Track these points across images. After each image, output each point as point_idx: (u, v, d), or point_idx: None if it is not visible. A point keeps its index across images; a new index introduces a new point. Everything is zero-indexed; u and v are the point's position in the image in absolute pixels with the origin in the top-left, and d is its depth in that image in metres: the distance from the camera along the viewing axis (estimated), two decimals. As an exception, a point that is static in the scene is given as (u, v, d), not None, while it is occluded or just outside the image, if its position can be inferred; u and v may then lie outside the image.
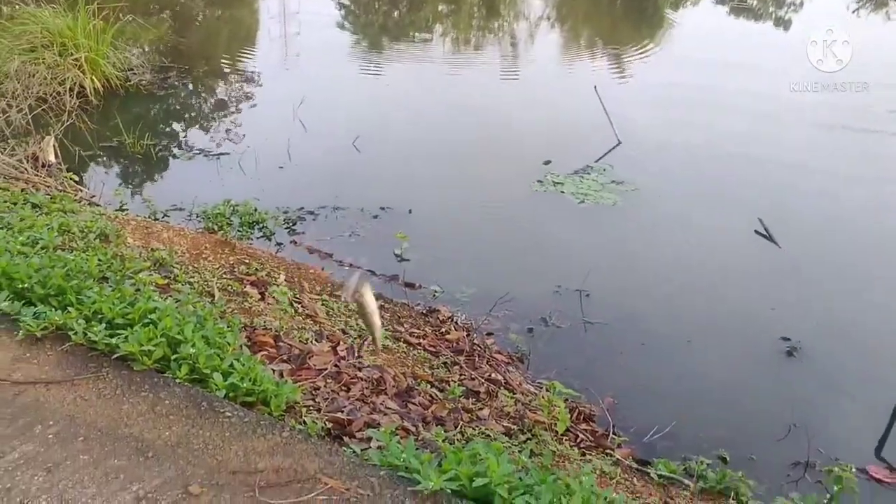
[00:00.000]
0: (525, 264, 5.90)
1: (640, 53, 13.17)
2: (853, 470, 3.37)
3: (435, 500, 2.29)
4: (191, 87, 10.29)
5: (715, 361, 4.80)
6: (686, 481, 3.35)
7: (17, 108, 7.70)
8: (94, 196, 6.48)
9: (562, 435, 3.52)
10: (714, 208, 7.00)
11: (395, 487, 2.32)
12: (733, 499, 3.25)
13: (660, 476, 3.30)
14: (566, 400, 3.83)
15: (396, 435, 2.73)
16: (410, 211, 6.59)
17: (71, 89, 8.42)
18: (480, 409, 3.69)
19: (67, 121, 7.94)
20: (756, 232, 6.31)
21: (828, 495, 3.30)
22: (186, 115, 9.34)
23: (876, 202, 7.19)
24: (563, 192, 7.14)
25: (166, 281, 4.00)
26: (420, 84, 11.08)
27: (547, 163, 7.65)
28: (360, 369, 3.73)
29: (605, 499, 2.44)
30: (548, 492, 2.30)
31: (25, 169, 6.33)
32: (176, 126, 8.82)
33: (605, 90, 9.01)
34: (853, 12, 16.86)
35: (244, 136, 8.37)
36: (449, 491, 2.29)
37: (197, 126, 8.94)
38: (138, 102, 9.18)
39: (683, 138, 8.59)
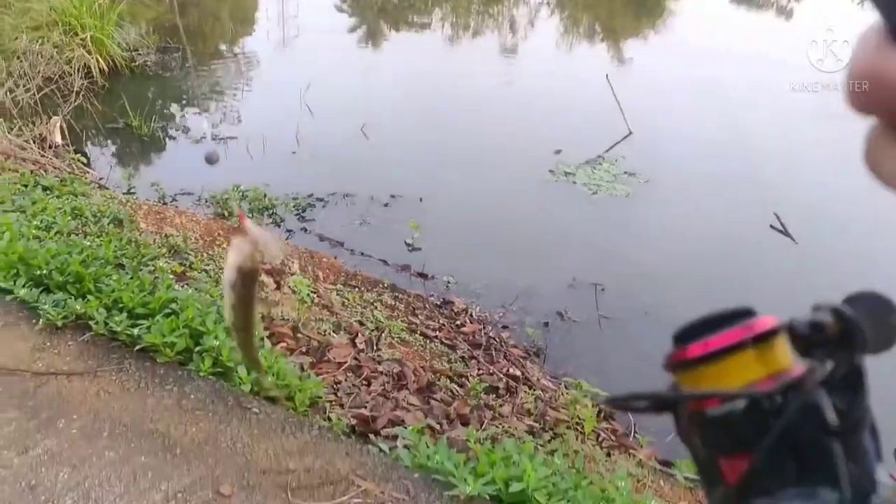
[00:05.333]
0: (539, 256, 5.83)
1: (642, 42, 13.04)
2: None
3: (470, 505, 2.23)
4: (194, 68, 10.11)
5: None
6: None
7: (24, 88, 7.54)
8: (101, 179, 6.38)
9: (585, 434, 3.47)
10: (727, 201, 6.91)
11: (430, 491, 2.27)
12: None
13: (685, 478, 3.25)
14: (587, 397, 3.77)
15: (423, 434, 2.68)
16: (421, 199, 6.48)
17: (77, 70, 8.22)
18: (501, 405, 3.64)
19: (74, 101, 7.77)
20: (772, 227, 6.25)
21: None
22: (192, 98, 9.14)
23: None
24: (574, 182, 7.06)
25: (183, 268, 3.93)
26: (422, 70, 10.88)
27: (557, 152, 7.55)
28: (379, 363, 3.68)
29: (644, 506, 2.39)
30: (586, 498, 2.25)
31: (32, 150, 6.23)
32: (182, 108, 8.63)
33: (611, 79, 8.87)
34: (858, 4, 16.64)
35: (251, 119, 8.23)
36: (486, 496, 2.23)
37: (203, 109, 8.75)
38: (143, 84, 9.04)
39: (692, 129, 8.50)
